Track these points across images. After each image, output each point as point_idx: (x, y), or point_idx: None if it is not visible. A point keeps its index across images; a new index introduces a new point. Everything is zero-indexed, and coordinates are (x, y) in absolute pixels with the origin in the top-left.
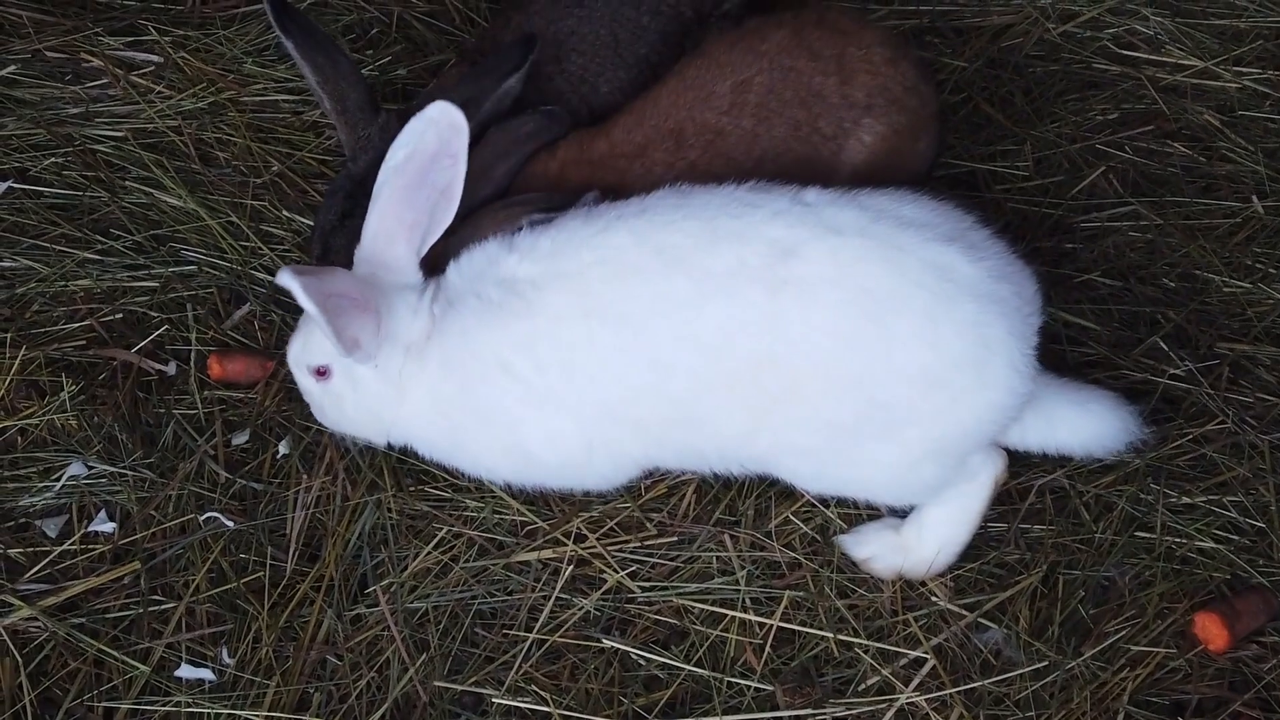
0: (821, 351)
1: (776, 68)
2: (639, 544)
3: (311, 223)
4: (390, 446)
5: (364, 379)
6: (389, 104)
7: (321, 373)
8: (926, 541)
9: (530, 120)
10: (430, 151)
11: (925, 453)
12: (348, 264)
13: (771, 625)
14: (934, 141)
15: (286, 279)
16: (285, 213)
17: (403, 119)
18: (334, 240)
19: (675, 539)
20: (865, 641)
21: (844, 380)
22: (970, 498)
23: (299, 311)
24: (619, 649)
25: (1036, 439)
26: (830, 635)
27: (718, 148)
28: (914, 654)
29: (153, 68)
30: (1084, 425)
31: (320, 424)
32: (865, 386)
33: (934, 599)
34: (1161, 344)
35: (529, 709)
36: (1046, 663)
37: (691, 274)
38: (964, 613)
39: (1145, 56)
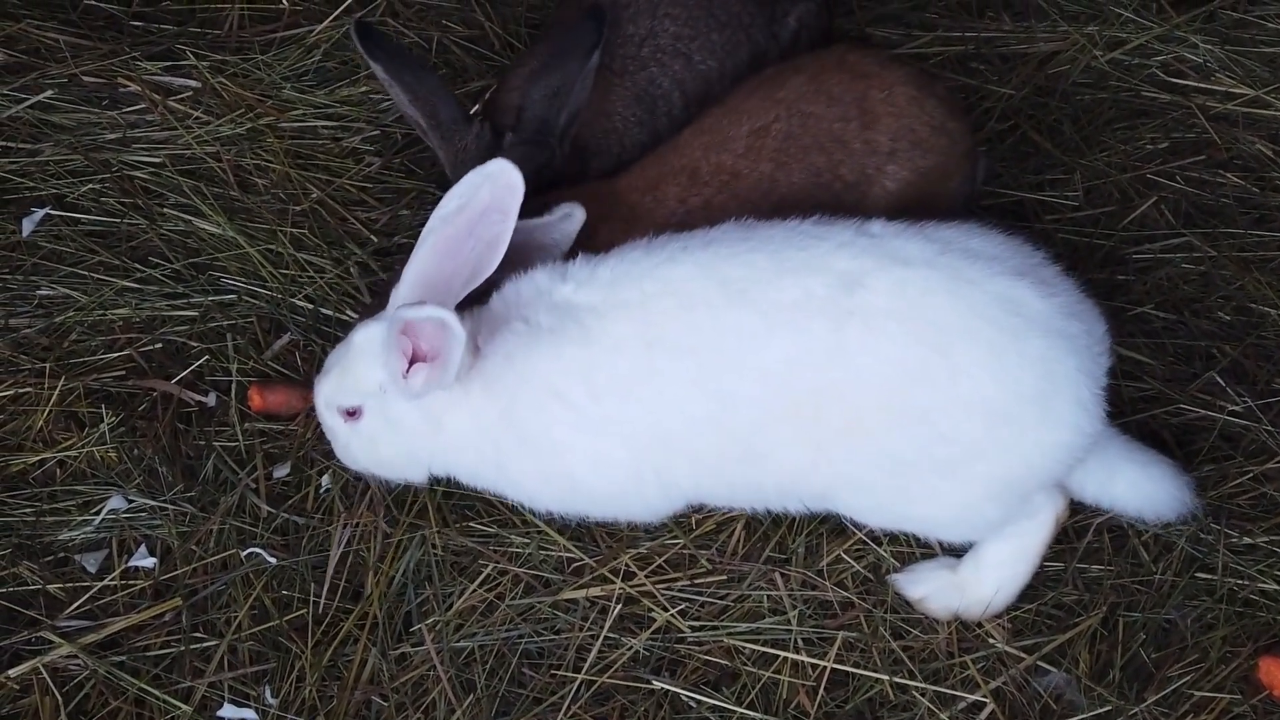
0: (886, 384)
1: (795, 114)
2: (688, 582)
3: (354, 249)
4: (430, 481)
5: (402, 416)
6: None
7: (352, 414)
8: (985, 580)
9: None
10: (482, 206)
11: (988, 490)
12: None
13: (825, 667)
14: (967, 179)
15: (445, 316)
16: (324, 241)
17: (491, 124)
18: None
19: (725, 577)
20: (922, 685)
21: (908, 414)
22: (1031, 536)
23: (339, 341)
24: (669, 690)
25: (1094, 490)
26: (885, 677)
27: (734, 189)
28: (973, 698)
29: (190, 93)
30: (1142, 486)
31: (345, 466)
32: (929, 420)
33: (991, 640)
34: (1218, 379)
35: None
36: (1109, 708)
37: (757, 306)
38: (1023, 655)
39: (1195, 85)
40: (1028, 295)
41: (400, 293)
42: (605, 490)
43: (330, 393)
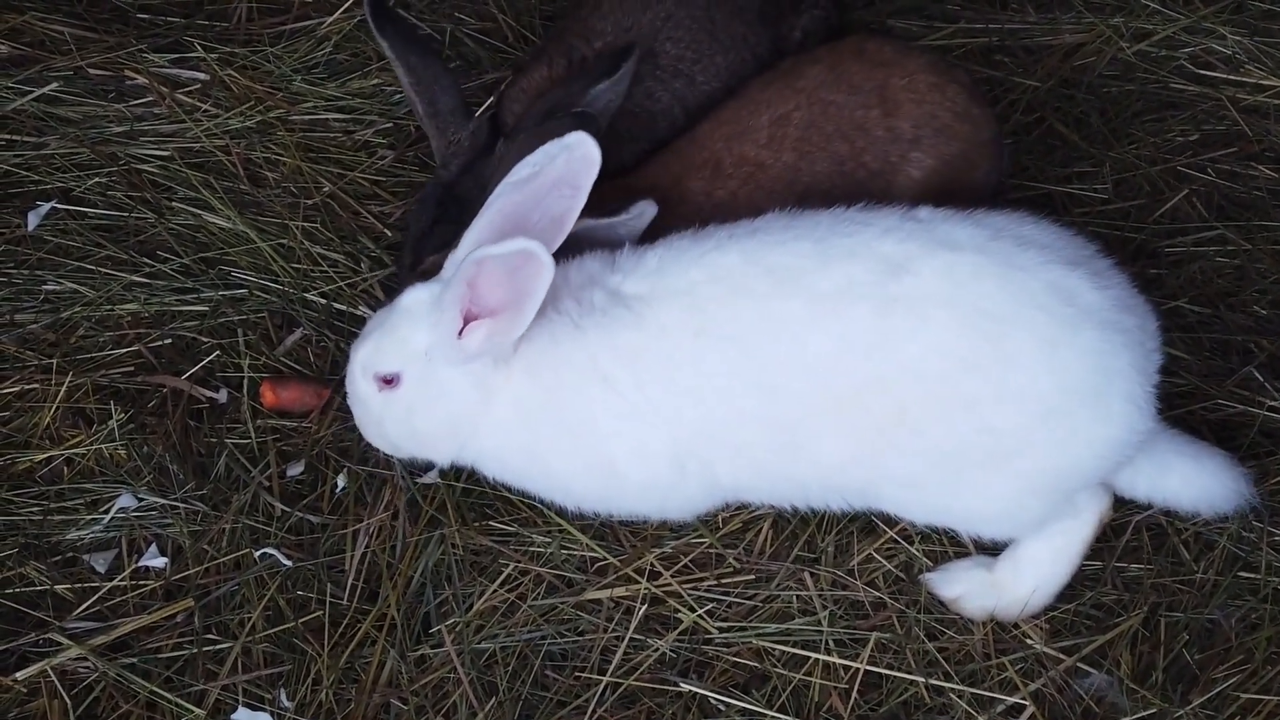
0: (932, 373)
1: (815, 102)
2: (715, 581)
3: (367, 243)
4: (448, 468)
5: (450, 385)
6: None
7: (389, 381)
8: (1023, 580)
9: (563, 124)
10: (555, 177)
11: (1035, 486)
12: (437, 272)
13: (858, 669)
14: (994, 167)
15: (534, 246)
16: (337, 236)
17: (492, 124)
18: (424, 247)
19: (753, 576)
20: (959, 686)
21: (955, 404)
22: (1073, 535)
23: (352, 337)
24: (697, 693)
25: (1146, 487)
26: (921, 680)
27: (758, 180)
28: (1012, 700)
29: (199, 85)
30: (1196, 480)
31: (369, 439)
32: (978, 412)
33: (1029, 641)
34: (1256, 374)
35: None
36: (1153, 711)
37: (802, 294)
38: (1062, 656)
39: (1224, 76)
40: (1082, 286)
41: (458, 255)
42: (644, 482)
43: (369, 356)
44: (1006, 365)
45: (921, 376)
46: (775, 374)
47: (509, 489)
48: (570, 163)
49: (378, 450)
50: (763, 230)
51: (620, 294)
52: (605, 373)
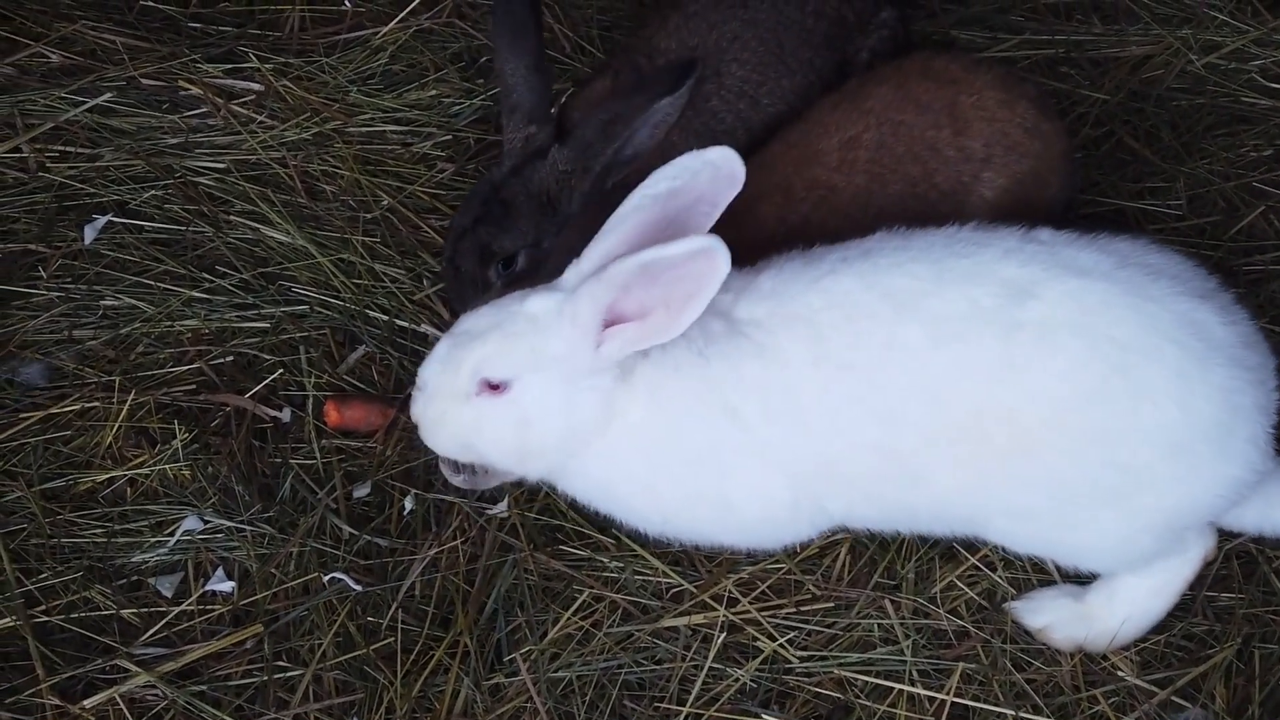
0: (1059, 403)
1: (885, 123)
2: (794, 609)
3: (428, 258)
4: (525, 487)
5: (577, 398)
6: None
7: (495, 387)
8: (1116, 611)
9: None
10: (697, 193)
11: (1151, 523)
12: (474, 267)
13: (944, 700)
14: (1066, 184)
15: (714, 242)
16: (397, 251)
17: (556, 130)
18: (462, 244)
19: (832, 604)
20: None
21: (1081, 436)
22: (1175, 572)
23: (416, 356)
24: None
25: (1254, 520)
26: (1010, 712)
27: (831, 204)
28: None
29: (253, 96)
30: None
31: (433, 440)
32: (1105, 445)
33: (1120, 674)
34: None
35: None
36: None
37: (922, 319)
38: (1155, 689)
39: None
40: (1212, 320)
41: (583, 267)
42: (758, 516)
43: (487, 358)
44: (1138, 398)
45: (1047, 406)
46: (896, 401)
47: (578, 510)
48: (715, 180)
49: (435, 459)
50: (876, 252)
51: (735, 319)
52: (732, 406)
